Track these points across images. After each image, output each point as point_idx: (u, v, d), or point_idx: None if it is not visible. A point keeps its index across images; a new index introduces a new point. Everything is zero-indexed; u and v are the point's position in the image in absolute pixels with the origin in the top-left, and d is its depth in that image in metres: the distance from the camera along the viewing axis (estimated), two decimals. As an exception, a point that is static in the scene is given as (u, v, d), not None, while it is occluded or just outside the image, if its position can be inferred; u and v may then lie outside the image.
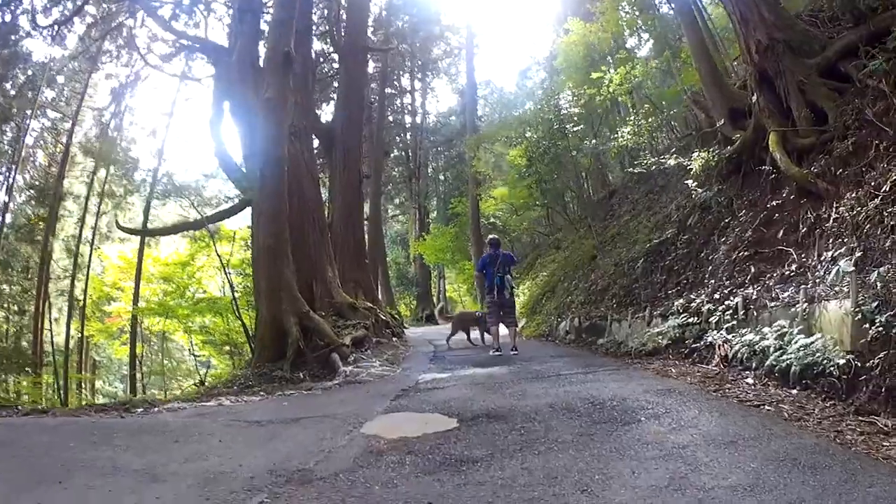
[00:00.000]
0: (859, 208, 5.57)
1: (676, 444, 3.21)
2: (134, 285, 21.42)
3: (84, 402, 19.67)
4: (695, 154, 8.87)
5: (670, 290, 8.16)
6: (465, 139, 26.91)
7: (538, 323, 13.32)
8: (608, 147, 13.50)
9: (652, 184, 15.12)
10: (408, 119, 38.40)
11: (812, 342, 4.58)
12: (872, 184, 5.62)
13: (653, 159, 10.00)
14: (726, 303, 6.02)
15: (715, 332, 5.82)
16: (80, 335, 22.43)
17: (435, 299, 35.60)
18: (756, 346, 5.11)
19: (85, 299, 22.33)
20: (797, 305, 5.10)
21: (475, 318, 10.92)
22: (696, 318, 6.42)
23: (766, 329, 5.23)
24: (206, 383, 11.32)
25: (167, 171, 29.83)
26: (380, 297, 26.51)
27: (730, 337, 5.56)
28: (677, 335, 6.52)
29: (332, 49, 21.81)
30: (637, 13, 16.78)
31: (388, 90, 34.02)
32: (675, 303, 7.14)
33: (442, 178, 38.85)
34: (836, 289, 5.03)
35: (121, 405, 6.17)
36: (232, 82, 10.64)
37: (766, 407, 4.14)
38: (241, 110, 10.39)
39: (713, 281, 7.09)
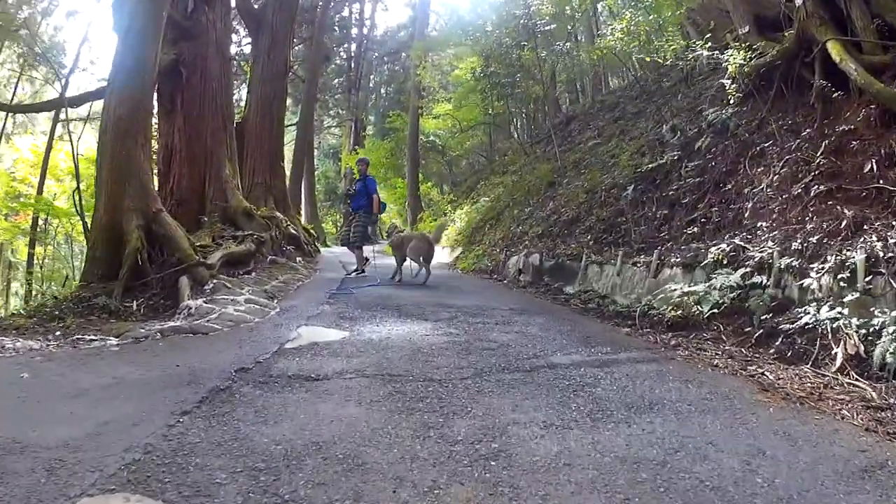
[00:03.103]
0: None
1: None
2: (39, 180, 17.24)
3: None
4: (729, 51, 6.07)
5: (683, 229, 5.51)
6: (412, 47, 22.66)
7: (478, 255, 10.23)
8: (585, 52, 10.38)
9: (621, 111, 12.39)
10: (354, 30, 32.99)
11: None
12: None
13: (678, 51, 7.06)
14: (830, 259, 3.37)
15: (825, 307, 3.15)
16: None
17: (364, 218, 32.01)
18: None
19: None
20: None
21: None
22: (763, 278, 3.77)
23: (937, 316, 2.65)
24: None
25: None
26: (302, 209, 22.87)
27: (857, 321, 2.94)
28: (730, 301, 3.84)
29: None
30: None
31: (336, -5, 28.49)
32: (710, 249, 4.46)
33: (383, 92, 34.26)
34: None
35: None
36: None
37: None
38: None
39: (766, 224, 4.47)
